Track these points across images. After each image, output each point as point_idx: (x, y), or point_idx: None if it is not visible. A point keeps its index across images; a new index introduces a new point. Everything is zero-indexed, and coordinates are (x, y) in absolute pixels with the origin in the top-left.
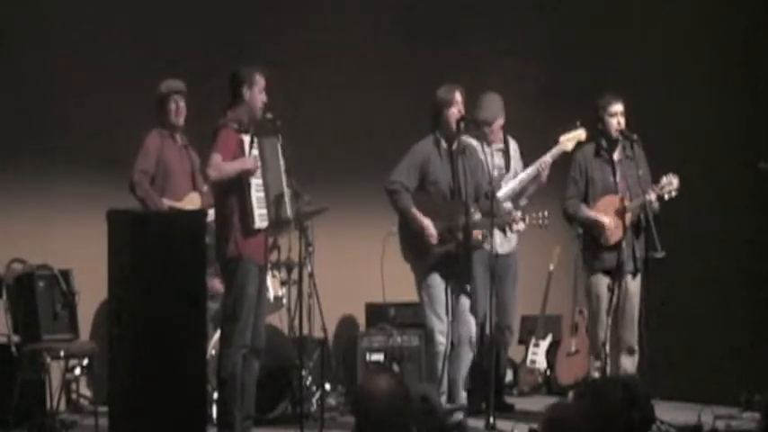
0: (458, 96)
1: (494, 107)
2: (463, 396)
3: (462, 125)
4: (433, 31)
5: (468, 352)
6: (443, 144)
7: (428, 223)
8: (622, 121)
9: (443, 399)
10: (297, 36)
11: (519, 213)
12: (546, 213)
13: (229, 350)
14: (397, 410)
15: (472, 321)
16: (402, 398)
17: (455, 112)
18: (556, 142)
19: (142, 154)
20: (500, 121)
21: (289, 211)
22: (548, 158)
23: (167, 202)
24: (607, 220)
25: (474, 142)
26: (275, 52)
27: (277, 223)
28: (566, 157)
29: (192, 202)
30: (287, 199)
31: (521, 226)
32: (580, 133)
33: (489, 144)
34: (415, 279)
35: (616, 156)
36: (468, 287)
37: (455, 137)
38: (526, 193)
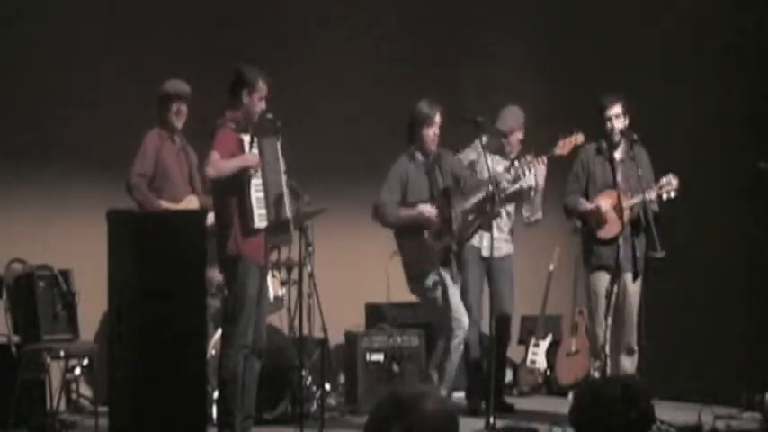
0: (438, 117)
1: (510, 119)
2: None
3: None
4: (434, 34)
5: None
6: (419, 157)
7: (422, 207)
8: (619, 123)
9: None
10: (297, 37)
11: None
12: (529, 158)
13: (230, 350)
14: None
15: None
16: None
17: (431, 134)
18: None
19: (140, 155)
20: (518, 135)
21: (288, 211)
22: (532, 158)
23: (165, 205)
24: (604, 204)
25: (473, 153)
26: (275, 53)
27: (276, 224)
28: (567, 157)
29: (189, 205)
30: (286, 199)
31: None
32: (576, 137)
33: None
34: (413, 287)
35: (618, 155)
36: (459, 277)
37: (430, 153)
38: (529, 202)
